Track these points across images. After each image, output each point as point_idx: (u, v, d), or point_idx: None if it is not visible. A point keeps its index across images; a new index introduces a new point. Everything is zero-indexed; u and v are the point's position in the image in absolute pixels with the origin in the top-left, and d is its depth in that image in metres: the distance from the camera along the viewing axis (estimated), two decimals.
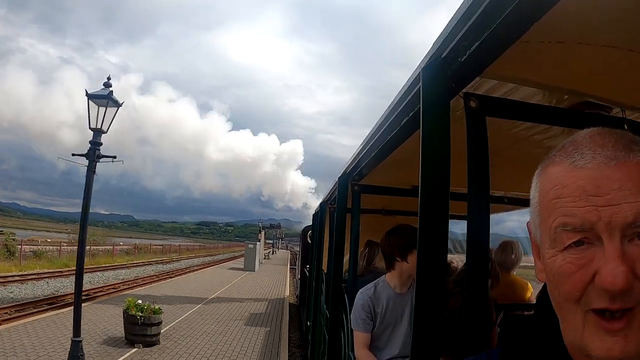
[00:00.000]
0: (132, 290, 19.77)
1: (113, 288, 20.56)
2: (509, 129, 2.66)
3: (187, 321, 13.28)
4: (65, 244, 40.47)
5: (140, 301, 10.09)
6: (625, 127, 1.96)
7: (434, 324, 1.33)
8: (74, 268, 27.28)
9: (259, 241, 46.16)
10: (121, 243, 56.23)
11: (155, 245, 61.66)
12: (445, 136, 1.38)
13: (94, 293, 18.36)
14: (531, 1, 1.03)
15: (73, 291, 17.92)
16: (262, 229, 55.79)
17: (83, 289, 18.35)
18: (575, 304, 0.69)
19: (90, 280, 22.79)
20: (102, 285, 21.67)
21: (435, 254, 1.35)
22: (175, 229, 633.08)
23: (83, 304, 14.10)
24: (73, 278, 22.73)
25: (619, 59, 1.67)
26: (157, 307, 10.17)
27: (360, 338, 3.23)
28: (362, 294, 3.31)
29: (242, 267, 36.22)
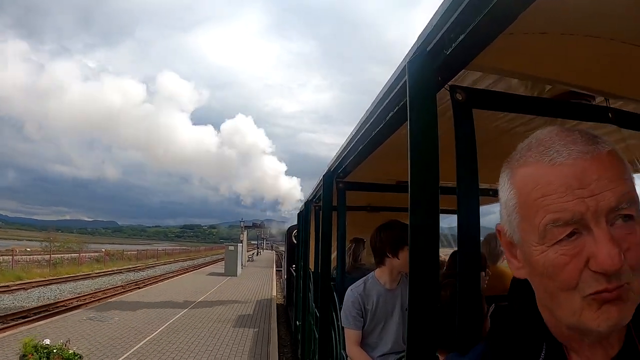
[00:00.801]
0: (85, 308, 16.20)
1: (64, 305, 17.09)
2: (492, 121, 2.67)
3: (136, 358, 9.31)
4: (20, 254, 36.89)
5: (48, 341, 6.73)
6: (610, 115, 1.98)
7: (428, 320, 1.32)
8: (28, 281, 24.71)
9: (241, 242, 41.99)
10: (103, 250, 52.40)
11: (130, 250, 56.72)
12: (434, 130, 1.38)
13: (33, 314, 14.84)
14: None
15: (15, 311, 15.21)
16: (245, 228, 49.78)
17: (23, 308, 15.81)
18: (572, 292, 0.74)
19: (40, 296, 19.77)
20: (52, 301, 18.05)
21: (426, 249, 1.34)
22: (159, 233, 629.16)
23: (14, 330, 11.33)
24: (20, 294, 20.65)
25: (601, 49, 1.70)
26: (71, 351, 6.78)
27: (351, 335, 3.22)
28: (352, 291, 3.30)
29: (223, 271, 32.28)
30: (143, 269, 39.72)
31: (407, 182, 1.38)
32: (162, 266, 45.31)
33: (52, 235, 65.22)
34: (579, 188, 0.72)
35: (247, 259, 49.27)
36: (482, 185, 4.47)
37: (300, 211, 9.42)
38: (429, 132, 1.37)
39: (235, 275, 31.04)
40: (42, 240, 62.67)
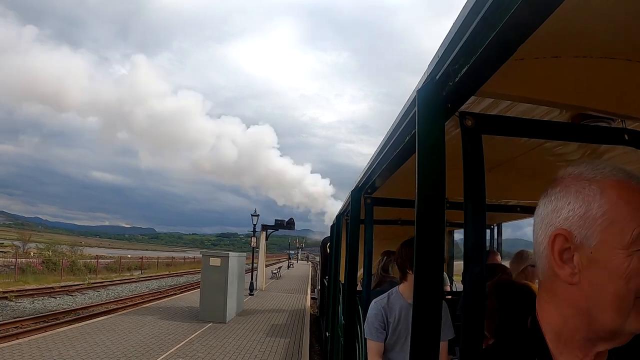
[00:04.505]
0: None
1: None
2: (519, 138, 2.70)
3: None
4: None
5: None
6: (626, 137, 1.98)
7: (432, 334, 1.37)
8: None
9: (256, 249, 28.33)
10: (130, 255, 44.72)
11: (104, 256, 45.25)
12: (441, 156, 1.43)
13: None
14: (513, 25, 1.08)
15: None
16: (264, 230, 30.09)
17: None
18: (633, 294, 0.86)
19: None
20: None
21: (431, 278, 1.39)
22: (195, 241, 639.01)
23: None
24: None
25: (617, 70, 1.70)
26: None
27: (373, 347, 3.28)
28: (376, 304, 3.37)
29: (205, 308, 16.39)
30: (74, 290, 26.05)
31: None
32: (132, 284, 33.02)
33: (28, 234, 54.11)
34: None
35: (268, 276, 35.70)
36: (511, 202, 4.50)
37: (332, 224, 9.48)
38: (436, 158, 1.43)
39: (224, 319, 16.09)
40: (17, 239, 51.78)
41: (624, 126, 2.10)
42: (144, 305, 20.58)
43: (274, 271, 43.05)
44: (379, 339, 3.27)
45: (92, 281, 30.80)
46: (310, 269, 54.30)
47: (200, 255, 16.95)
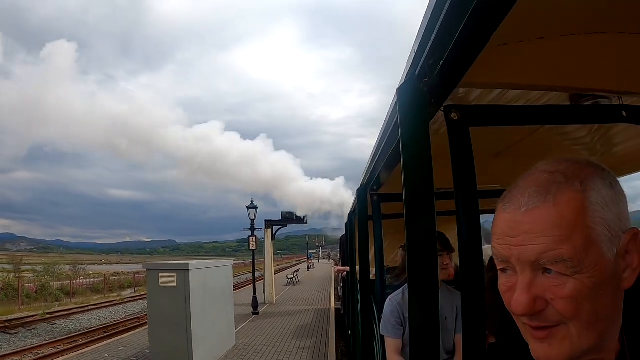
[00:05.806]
0: None
1: None
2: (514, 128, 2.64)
3: None
4: None
5: None
6: (624, 113, 1.91)
7: (430, 325, 1.35)
8: None
9: (253, 249, 21.73)
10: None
11: (122, 272, 40.15)
12: (427, 151, 1.40)
13: None
14: (484, 8, 1.02)
15: None
16: (268, 226, 23.70)
17: None
18: (516, 314, 0.85)
19: None
20: None
21: (424, 271, 1.38)
22: (216, 249, 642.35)
23: None
24: None
25: (609, 45, 1.64)
26: None
27: (391, 344, 3.26)
28: (391, 301, 3.35)
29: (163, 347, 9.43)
30: (19, 326, 20.14)
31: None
32: (106, 309, 26.62)
33: (19, 256, 49.73)
34: (509, 236, 0.83)
35: (283, 283, 32.78)
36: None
37: (346, 222, 9.48)
38: (421, 153, 1.40)
39: None
40: (8, 263, 47.21)
41: (621, 102, 2.04)
42: (95, 345, 14.35)
43: (290, 276, 36.32)
44: (397, 336, 3.25)
45: (54, 310, 24.80)
46: (332, 267, 45.70)
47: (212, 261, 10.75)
